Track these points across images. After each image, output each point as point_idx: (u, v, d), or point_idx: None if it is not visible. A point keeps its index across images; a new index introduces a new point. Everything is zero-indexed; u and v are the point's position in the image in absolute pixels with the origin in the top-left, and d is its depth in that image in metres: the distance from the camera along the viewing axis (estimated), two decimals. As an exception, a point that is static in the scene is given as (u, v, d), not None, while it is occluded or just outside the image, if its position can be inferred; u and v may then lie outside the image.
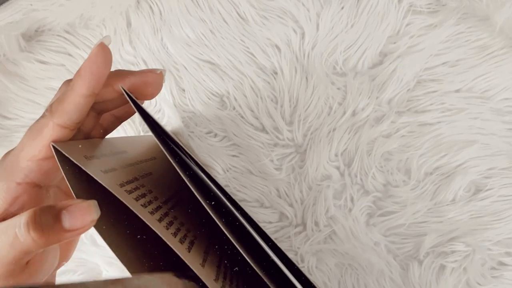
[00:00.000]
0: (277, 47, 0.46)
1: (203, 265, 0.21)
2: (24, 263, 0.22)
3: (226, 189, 0.24)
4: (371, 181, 0.45)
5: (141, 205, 0.21)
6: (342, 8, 0.45)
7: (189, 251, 0.21)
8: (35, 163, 0.22)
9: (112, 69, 0.44)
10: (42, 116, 0.23)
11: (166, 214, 0.23)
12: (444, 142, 0.44)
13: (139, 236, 0.25)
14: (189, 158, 0.25)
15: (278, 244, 0.24)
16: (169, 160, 0.34)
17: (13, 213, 0.23)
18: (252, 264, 0.23)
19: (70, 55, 0.47)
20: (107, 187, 0.20)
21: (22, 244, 0.20)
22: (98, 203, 0.21)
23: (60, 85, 0.48)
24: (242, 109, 0.46)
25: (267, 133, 0.46)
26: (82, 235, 0.46)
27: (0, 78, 0.46)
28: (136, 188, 0.22)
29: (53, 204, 0.21)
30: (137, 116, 0.46)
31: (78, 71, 0.23)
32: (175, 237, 0.21)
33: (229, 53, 0.46)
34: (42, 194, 0.24)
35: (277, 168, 0.45)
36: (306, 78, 0.46)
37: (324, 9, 0.45)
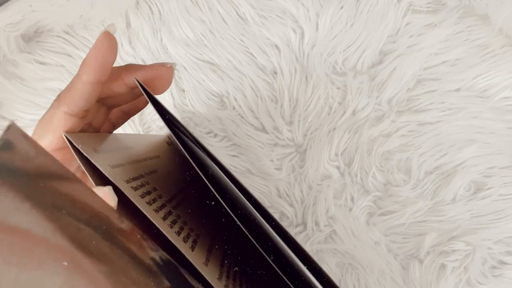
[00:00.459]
0: (276, 47, 0.46)
1: (206, 264, 0.21)
2: None
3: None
4: (371, 180, 0.45)
5: (146, 202, 0.21)
6: (342, 7, 0.45)
7: (192, 250, 0.21)
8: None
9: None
10: (51, 106, 0.24)
11: (169, 213, 0.23)
12: (444, 141, 0.44)
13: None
14: (205, 152, 0.25)
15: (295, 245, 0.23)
16: (173, 159, 0.34)
17: None
18: (275, 267, 0.23)
19: (69, 55, 0.47)
20: (114, 182, 0.20)
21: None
22: None
23: (59, 86, 0.48)
24: (242, 109, 0.46)
25: (267, 133, 0.46)
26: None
27: (-1, 79, 0.46)
28: (142, 186, 0.23)
29: None
30: (136, 117, 0.46)
31: (84, 60, 0.23)
32: (178, 235, 0.21)
33: (228, 53, 0.46)
34: None
35: (277, 168, 0.45)
36: (306, 78, 0.46)
37: (323, 9, 0.45)
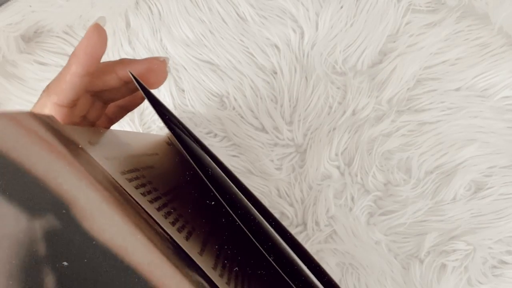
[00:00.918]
0: (276, 46, 0.46)
1: (201, 254, 0.21)
2: None
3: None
4: (371, 180, 0.45)
5: (141, 193, 0.21)
6: (342, 7, 0.45)
7: (187, 240, 0.21)
8: None
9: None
10: (40, 97, 0.24)
11: (165, 205, 0.23)
12: (444, 140, 0.44)
13: None
14: (203, 149, 0.25)
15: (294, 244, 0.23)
16: (173, 159, 0.34)
17: None
18: (277, 267, 0.23)
19: (69, 56, 0.47)
20: (109, 172, 0.20)
21: None
22: None
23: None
24: (242, 109, 0.46)
25: (267, 133, 0.46)
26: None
27: (-1, 80, 0.46)
28: (137, 178, 0.22)
29: None
30: (136, 117, 0.46)
31: (73, 51, 0.23)
32: (173, 226, 0.21)
33: (228, 53, 0.46)
34: None
35: (277, 168, 0.45)
36: (306, 77, 0.46)
37: (323, 9, 0.45)
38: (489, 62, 0.44)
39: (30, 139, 0.15)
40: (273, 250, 0.23)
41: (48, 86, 0.24)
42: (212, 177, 0.23)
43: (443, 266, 0.44)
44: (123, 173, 0.22)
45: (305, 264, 0.22)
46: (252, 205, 0.22)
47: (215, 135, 0.46)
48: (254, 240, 0.22)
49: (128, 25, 0.47)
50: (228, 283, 0.22)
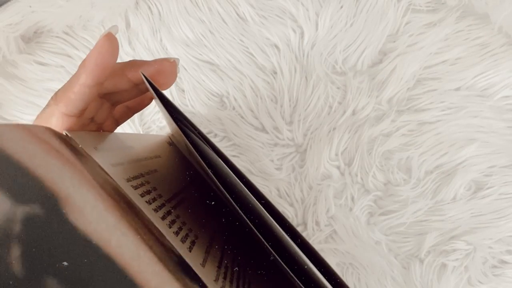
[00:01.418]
0: (276, 46, 0.46)
1: (203, 265, 0.21)
2: None
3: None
4: (371, 180, 0.45)
5: (146, 201, 0.21)
6: (341, 7, 0.45)
7: (190, 251, 0.21)
8: None
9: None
10: (47, 106, 0.23)
11: (169, 213, 0.23)
12: (444, 140, 0.44)
13: None
14: (212, 148, 0.25)
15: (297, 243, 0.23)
16: (174, 159, 0.34)
17: None
18: (285, 266, 0.23)
19: (69, 56, 0.47)
20: (115, 180, 0.20)
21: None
22: None
23: (59, 87, 0.48)
24: (242, 109, 0.46)
25: (267, 133, 0.46)
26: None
27: (-1, 80, 0.46)
28: (142, 185, 0.22)
29: None
30: (136, 117, 0.46)
31: (83, 61, 0.23)
32: (176, 236, 0.21)
33: (228, 53, 0.46)
34: None
35: (278, 168, 0.45)
36: (306, 77, 0.46)
37: (323, 8, 0.45)
38: (489, 62, 0.44)
39: (40, 147, 0.18)
40: (276, 249, 0.23)
41: (56, 95, 0.23)
42: (218, 175, 0.23)
43: (443, 265, 0.44)
44: (129, 180, 0.22)
45: (315, 265, 0.22)
46: (260, 203, 0.22)
47: (215, 135, 0.46)
48: (262, 238, 0.22)
49: (128, 25, 0.47)
50: None
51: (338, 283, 0.24)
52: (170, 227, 0.21)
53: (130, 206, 0.19)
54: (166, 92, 0.46)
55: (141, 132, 0.46)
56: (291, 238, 0.22)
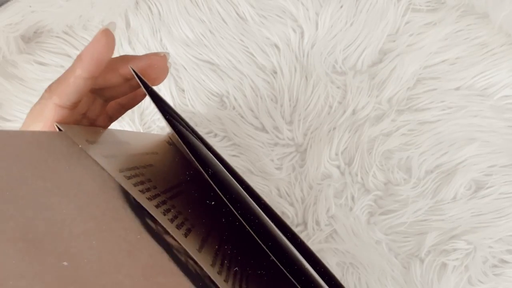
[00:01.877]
0: (276, 46, 0.46)
1: (200, 251, 0.21)
2: None
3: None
4: (371, 179, 0.45)
5: (139, 191, 0.21)
6: (341, 6, 0.45)
7: (185, 237, 0.21)
8: None
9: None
10: (41, 98, 0.24)
11: (164, 202, 0.22)
12: (445, 140, 0.44)
13: None
14: (203, 143, 0.25)
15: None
16: (173, 159, 0.34)
17: None
18: (279, 264, 0.23)
19: (69, 56, 0.47)
20: (107, 171, 0.20)
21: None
22: None
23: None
24: (242, 109, 0.46)
25: (267, 132, 0.46)
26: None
27: (-1, 80, 0.46)
28: (135, 176, 0.22)
29: None
30: (136, 117, 0.46)
31: (79, 55, 0.23)
32: (171, 222, 0.21)
33: (228, 53, 0.46)
34: None
35: (278, 168, 0.45)
36: (306, 77, 0.46)
37: (323, 8, 0.45)
38: (489, 61, 0.44)
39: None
40: (275, 250, 0.23)
41: (50, 87, 0.24)
42: (214, 176, 0.23)
43: (444, 265, 0.44)
44: (121, 170, 0.22)
45: (312, 266, 0.22)
46: (256, 203, 0.22)
47: (215, 135, 0.46)
48: (257, 238, 0.22)
49: (128, 25, 0.47)
50: (226, 281, 0.22)
51: (336, 284, 0.24)
52: (164, 215, 0.21)
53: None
54: (166, 92, 0.46)
55: (141, 131, 0.46)
56: (289, 239, 0.22)
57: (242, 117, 0.46)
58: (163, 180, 0.26)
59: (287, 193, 0.45)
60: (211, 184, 0.24)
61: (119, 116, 0.30)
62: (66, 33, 0.47)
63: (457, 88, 0.45)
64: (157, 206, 0.21)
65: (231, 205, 0.22)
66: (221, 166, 0.23)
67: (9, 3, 0.44)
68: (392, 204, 0.44)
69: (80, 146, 0.21)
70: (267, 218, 0.22)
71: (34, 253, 0.13)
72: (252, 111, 0.46)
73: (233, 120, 0.46)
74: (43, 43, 0.46)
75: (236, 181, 0.22)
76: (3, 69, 0.46)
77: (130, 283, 0.16)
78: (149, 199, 0.21)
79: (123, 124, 0.46)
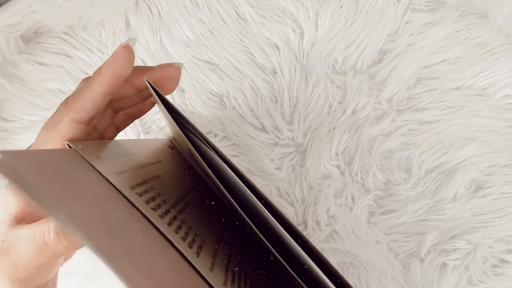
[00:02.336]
0: (276, 46, 0.46)
1: (212, 269, 0.21)
2: (49, 266, 0.22)
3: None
4: (371, 179, 0.45)
5: (151, 208, 0.21)
6: (341, 6, 0.45)
7: (197, 256, 0.21)
8: None
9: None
10: (57, 111, 0.23)
11: (174, 218, 0.23)
12: (445, 140, 0.44)
13: None
14: (214, 151, 0.25)
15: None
16: (175, 163, 0.34)
17: (31, 213, 0.23)
18: (288, 266, 0.23)
19: (69, 56, 0.47)
20: (119, 189, 0.20)
21: (52, 252, 0.20)
22: None
23: (59, 87, 0.48)
24: (242, 109, 0.46)
25: (267, 132, 0.46)
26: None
27: (-1, 80, 0.46)
28: (146, 191, 0.23)
29: None
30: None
31: (99, 69, 0.23)
32: (184, 241, 0.21)
33: (228, 53, 0.46)
34: None
35: (278, 168, 0.45)
36: (306, 77, 0.46)
37: (323, 8, 0.45)
38: (489, 61, 0.44)
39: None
40: (277, 248, 0.23)
41: (66, 101, 0.23)
42: (219, 175, 0.23)
43: (444, 265, 0.44)
44: (133, 187, 0.22)
45: (316, 264, 0.22)
46: (260, 203, 0.22)
47: (215, 135, 0.46)
48: (263, 238, 0.22)
49: (128, 25, 0.47)
50: None
51: (340, 282, 0.24)
52: (177, 233, 0.21)
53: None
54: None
55: (141, 133, 0.46)
56: (292, 237, 0.22)
57: (242, 117, 0.46)
58: (171, 192, 0.27)
59: (287, 193, 0.45)
60: (211, 185, 0.24)
61: (126, 126, 0.30)
62: (66, 33, 0.47)
63: (457, 88, 0.45)
64: (169, 224, 0.21)
65: (236, 205, 0.22)
66: (228, 168, 0.23)
67: (9, 3, 0.44)
68: (392, 204, 0.44)
69: (92, 164, 0.21)
70: (271, 217, 0.22)
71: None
72: (252, 111, 0.46)
73: (233, 120, 0.46)
74: (43, 43, 0.46)
75: (252, 193, 0.22)
76: (3, 69, 0.46)
77: None
78: (161, 216, 0.21)
79: (123, 124, 0.46)
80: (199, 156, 0.22)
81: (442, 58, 0.45)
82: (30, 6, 0.43)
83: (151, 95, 0.27)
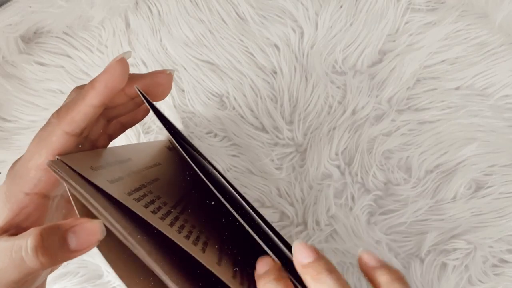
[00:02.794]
0: (276, 46, 0.46)
1: (219, 264, 0.21)
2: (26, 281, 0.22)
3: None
4: (371, 179, 0.45)
5: (151, 211, 0.21)
6: (341, 6, 0.45)
7: (203, 252, 0.21)
8: (44, 172, 0.22)
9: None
10: (48, 123, 0.23)
11: (176, 218, 0.23)
12: (445, 139, 0.44)
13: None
14: (203, 157, 0.25)
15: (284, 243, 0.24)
16: (175, 164, 0.34)
17: (17, 223, 0.23)
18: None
19: (69, 56, 0.47)
20: (115, 197, 0.20)
21: (29, 267, 0.20)
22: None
23: (59, 87, 0.48)
24: (242, 109, 0.46)
25: (267, 132, 0.46)
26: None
27: (-1, 81, 0.46)
28: (144, 195, 0.22)
29: (58, 224, 0.20)
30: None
31: (92, 82, 0.23)
32: (188, 239, 0.21)
33: (228, 53, 0.46)
34: (47, 204, 0.24)
35: (278, 168, 0.45)
36: (306, 77, 0.46)
37: (323, 8, 0.45)
38: (488, 61, 0.44)
39: None
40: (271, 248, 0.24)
41: (58, 112, 0.23)
42: (212, 178, 0.23)
43: (444, 265, 0.44)
44: (130, 193, 0.22)
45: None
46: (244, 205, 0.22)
47: (215, 135, 0.46)
48: (259, 240, 0.23)
49: (127, 25, 0.47)
50: None
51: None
52: (179, 232, 0.21)
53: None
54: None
55: (141, 132, 0.46)
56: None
57: (242, 117, 0.46)
58: (171, 193, 0.27)
59: (287, 193, 0.45)
60: (224, 183, 0.24)
61: (119, 135, 0.30)
62: (66, 33, 0.47)
63: (457, 88, 0.45)
64: (171, 225, 0.21)
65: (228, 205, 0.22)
66: (218, 175, 0.23)
67: (9, 3, 0.44)
68: (392, 204, 0.44)
69: (85, 176, 0.21)
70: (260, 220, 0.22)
71: None
72: (252, 111, 0.46)
73: (233, 120, 0.46)
74: (43, 44, 0.46)
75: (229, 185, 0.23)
76: (3, 69, 0.46)
77: None
78: (162, 218, 0.21)
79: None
80: (189, 160, 0.22)
81: (442, 58, 0.45)
82: (30, 6, 0.43)
83: (143, 102, 0.27)
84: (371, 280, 0.22)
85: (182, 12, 0.46)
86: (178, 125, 0.46)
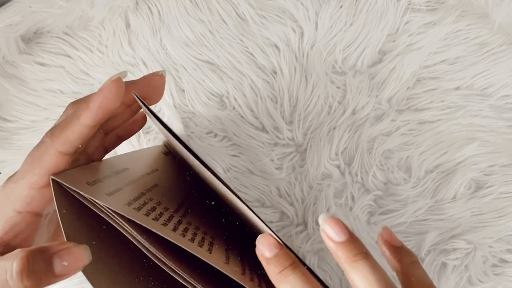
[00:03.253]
0: (276, 46, 0.46)
1: (227, 263, 0.21)
2: None
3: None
4: (371, 179, 0.45)
5: (152, 219, 0.21)
6: (341, 7, 0.45)
7: (210, 252, 0.21)
8: (37, 191, 0.22)
9: (111, 70, 0.43)
10: (42, 142, 0.23)
11: (179, 222, 0.22)
12: (444, 139, 0.44)
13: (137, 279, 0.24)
14: (200, 161, 0.25)
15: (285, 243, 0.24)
16: (172, 168, 0.34)
17: (6, 242, 0.22)
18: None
19: (69, 56, 0.47)
20: (114, 209, 0.20)
21: None
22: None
23: (59, 87, 0.48)
24: (242, 109, 0.46)
25: (267, 132, 0.46)
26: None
27: (-1, 81, 0.46)
28: (145, 203, 0.22)
29: (45, 247, 0.20)
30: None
31: (87, 102, 0.22)
32: (193, 242, 0.21)
33: (228, 53, 0.46)
34: (39, 222, 0.24)
35: (278, 168, 0.45)
36: (306, 77, 0.46)
37: (323, 8, 0.45)
38: (488, 61, 0.44)
39: None
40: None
41: (52, 132, 0.23)
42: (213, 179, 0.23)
43: (444, 265, 0.44)
44: (130, 203, 0.21)
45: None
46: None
47: (215, 135, 0.46)
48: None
49: (128, 25, 0.47)
50: (260, 285, 0.22)
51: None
52: (184, 236, 0.21)
53: None
54: (166, 93, 0.46)
55: (141, 134, 0.46)
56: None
57: (242, 117, 0.46)
58: (172, 197, 0.27)
59: (287, 193, 0.45)
60: (210, 186, 0.24)
61: (114, 148, 0.30)
62: (66, 33, 0.47)
63: (457, 88, 0.45)
64: (174, 229, 0.21)
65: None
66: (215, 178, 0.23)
67: (9, 3, 0.44)
68: (392, 204, 0.44)
69: (81, 193, 0.21)
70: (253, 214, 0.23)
71: None
72: (252, 111, 0.46)
73: (233, 120, 0.46)
74: (43, 44, 0.46)
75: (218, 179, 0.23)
76: (3, 69, 0.46)
77: None
78: (164, 224, 0.21)
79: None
80: (192, 156, 0.22)
81: (442, 58, 0.45)
82: (30, 7, 0.43)
83: (140, 108, 0.27)
84: (394, 257, 0.25)
85: (182, 12, 0.46)
86: (178, 125, 0.46)
